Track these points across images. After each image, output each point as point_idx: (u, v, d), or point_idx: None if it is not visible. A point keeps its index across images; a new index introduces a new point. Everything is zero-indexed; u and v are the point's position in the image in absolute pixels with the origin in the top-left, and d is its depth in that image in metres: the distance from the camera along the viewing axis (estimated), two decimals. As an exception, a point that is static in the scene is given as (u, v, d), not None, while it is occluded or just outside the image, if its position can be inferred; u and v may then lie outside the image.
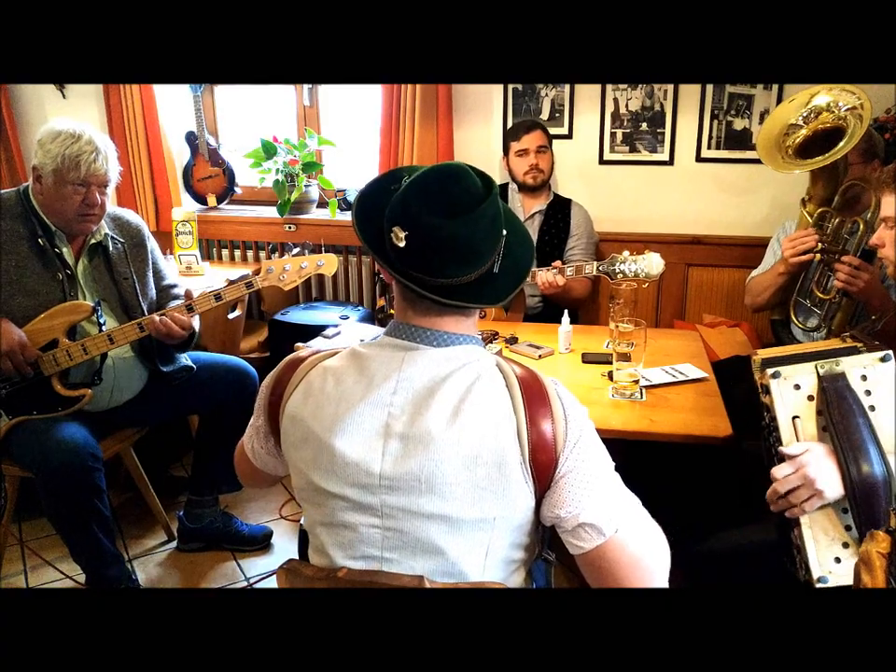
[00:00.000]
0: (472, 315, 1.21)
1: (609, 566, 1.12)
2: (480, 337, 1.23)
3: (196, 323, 2.35)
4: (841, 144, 2.15)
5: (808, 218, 2.37)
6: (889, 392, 1.39)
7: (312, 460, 1.17)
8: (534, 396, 1.13)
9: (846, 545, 1.39)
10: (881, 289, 2.12)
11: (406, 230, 1.09)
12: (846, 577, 1.35)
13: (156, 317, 2.22)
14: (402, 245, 1.10)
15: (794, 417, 1.43)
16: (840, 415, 1.37)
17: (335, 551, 1.18)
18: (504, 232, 1.18)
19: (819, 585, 1.37)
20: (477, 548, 1.14)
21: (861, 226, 2.20)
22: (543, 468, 1.11)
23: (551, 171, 3.10)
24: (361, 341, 1.26)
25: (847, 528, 1.39)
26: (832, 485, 1.36)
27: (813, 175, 2.32)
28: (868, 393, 1.39)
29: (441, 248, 1.10)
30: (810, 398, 1.43)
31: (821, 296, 2.29)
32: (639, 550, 1.14)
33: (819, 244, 2.29)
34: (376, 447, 1.12)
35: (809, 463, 1.37)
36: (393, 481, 1.11)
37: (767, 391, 1.45)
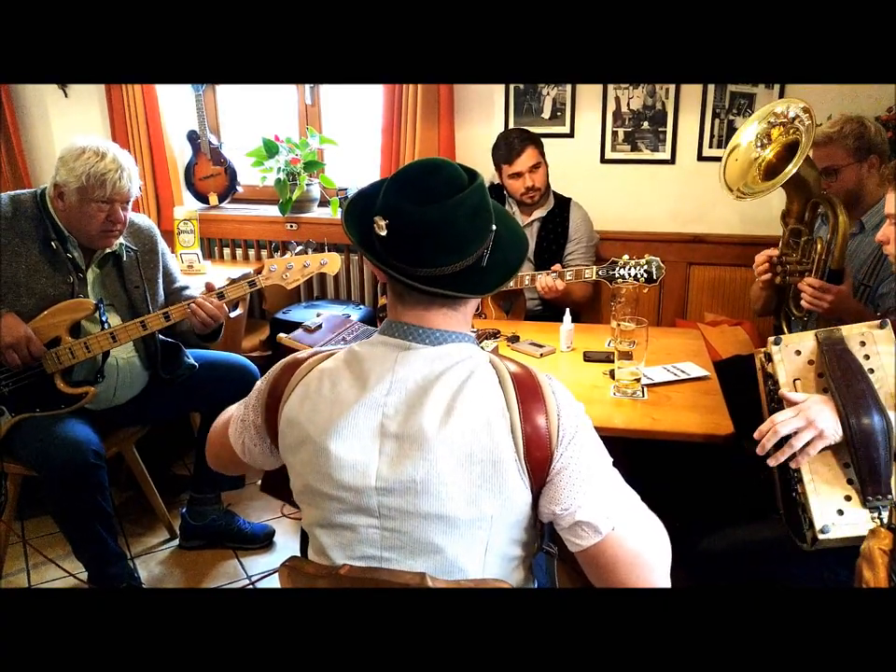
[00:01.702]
0: (460, 309, 1.20)
1: (608, 562, 1.12)
2: (473, 335, 1.23)
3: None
4: (789, 167, 2.10)
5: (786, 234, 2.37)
6: (887, 355, 1.44)
7: (308, 463, 1.17)
8: (527, 391, 1.12)
9: (848, 498, 1.43)
10: (853, 307, 2.06)
11: (386, 218, 1.11)
12: (848, 527, 1.41)
13: (192, 305, 2.25)
14: (384, 233, 1.11)
15: (795, 380, 1.50)
16: (840, 371, 1.43)
17: (335, 551, 1.18)
18: (493, 228, 1.17)
19: (821, 536, 1.42)
20: (476, 546, 1.14)
21: (819, 246, 2.17)
22: (538, 463, 1.11)
23: (547, 182, 3.04)
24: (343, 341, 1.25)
25: (850, 482, 1.43)
26: (831, 425, 1.40)
27: (785, 191, 2.29)
28: (867, 357, 1.45)
29: (419, 235, 1.10)
30: (810, 362, 1.50)
31: (796, 313, 2.28)
32: (638, 546, 1.14)
33: (780, 265, 2.28)
34: (372, 448, 1.12)
35: (810, 407, 1.42)
36: (389, 482, 1.11)
37: (770, 359, 1.52)
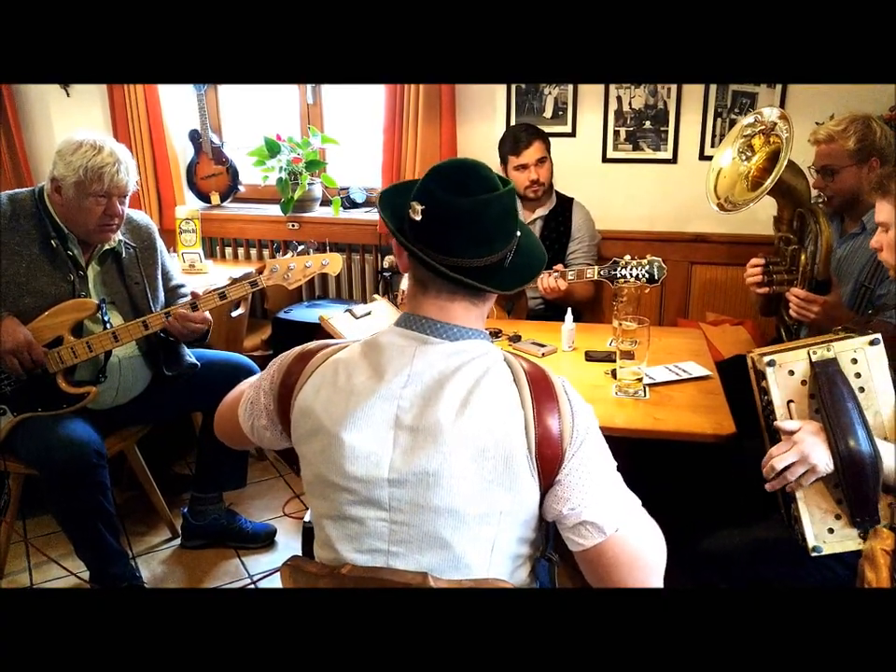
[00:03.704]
0: (479, 305, 1.23)
1: (608, 563, 1.14)
2: (487, 333, 1.25)
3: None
4: (768, 181, 2.09)
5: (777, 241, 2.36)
6: (878, 374, 1.46)
7: (321, 453, 1.18)
8: (541, 391, 1.15)
9: (838, 517, 1.48)
10: (842, 315, 2.03)
11: (423, 204, 1.14)
12: (838, 545, 1.48)
13: (171, 316, 2.24)
14: (419, 218, 1.15)
15: (789, 401, 1.52)
16: (831, 399, 1.45)
17: (342, 544, 1.19)
18: (518, 234, 1.21)
19: (814, 554, 1.49)
20: (483, 542, 1.14)
21: (803, 257, 2.17)
22: (548, 462, 1.12)
23: (551, 178, 3.04)
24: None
25: (839, 502, 1.48)
26: (824, 460, 1.44)
27: (775, 198, 2.27)
28: (858, 375, 1.47)
29: (452, 223, 1.14)
30: (803, 382, 1.51)
31: (788, 320, 2.27)
32: (638, 548, 1.15)
33: (766, 275, 2.28)
34: (386, 440, 1.14)
35: (804, 440, 1.45)
36: (402, 474, 1.12)
37: (764, 377, 1.53)
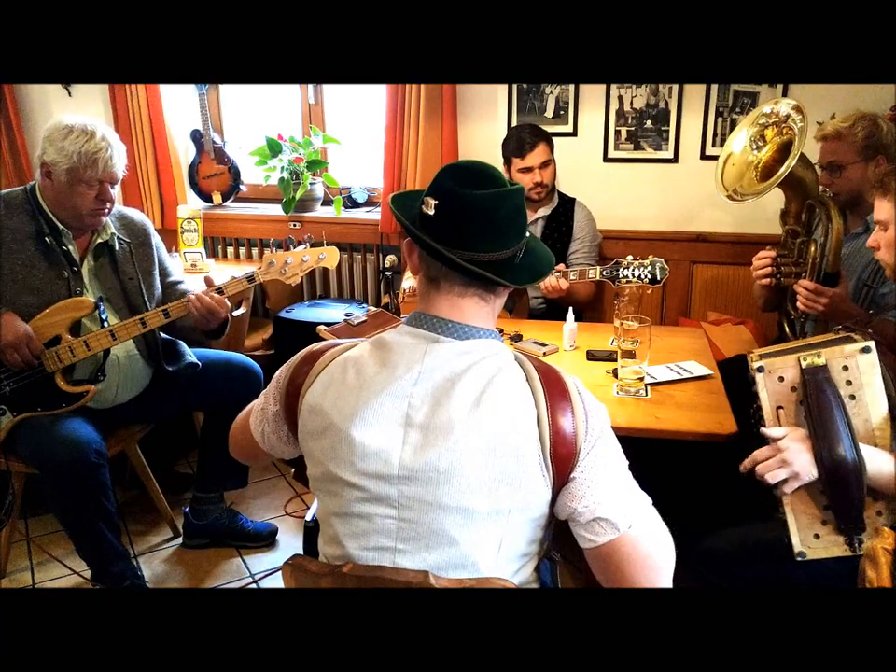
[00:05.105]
0: (492, 302, 1.24)
1: (620, 560, 1.14)
2: (498, 332, 1.26)
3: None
4: (781, 169, 2.09)
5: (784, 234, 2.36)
6: (869, 382, 1.45)
7: (330, 450, 1.18)
8: (555, 391, 1.15)
9: (824, 522, 1.48)
10: (849, 309, 2.05)
11: (437, 199, 1.16)
12: (823, 551, 1.48)
13: (193, 297, 2.23)
14: (432, 212, 1.16)
15: (778, 407, 1.52)
16: (818, 408, 1.45)
17: (348, 541, 1.19)
18: (528, 234, 1.24)
19: (798, 559, 1.49)
20: (491, 540, 1.15)
21: (813, 248, 2.17)
22: (563, 461, 1.13)
23: (554, 179, 3.04)
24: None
25: (826, 508, 1.48)
26: (807, 468, 1.44)
27: (783, 191, 2.27)
28: (849, 383, 1.46)
29: (466, 216, 1.15)
30: (793, 388, 1.50)
31: (793, 313, 2.28)
32: (650, 547, 1.16)
33: (774, 267, 2.28)
34: (396, 437, 1.14)
35: (788, 448, 1.46)
36: (412, 471, 1.12)
37: (754, 382, 1.53)
